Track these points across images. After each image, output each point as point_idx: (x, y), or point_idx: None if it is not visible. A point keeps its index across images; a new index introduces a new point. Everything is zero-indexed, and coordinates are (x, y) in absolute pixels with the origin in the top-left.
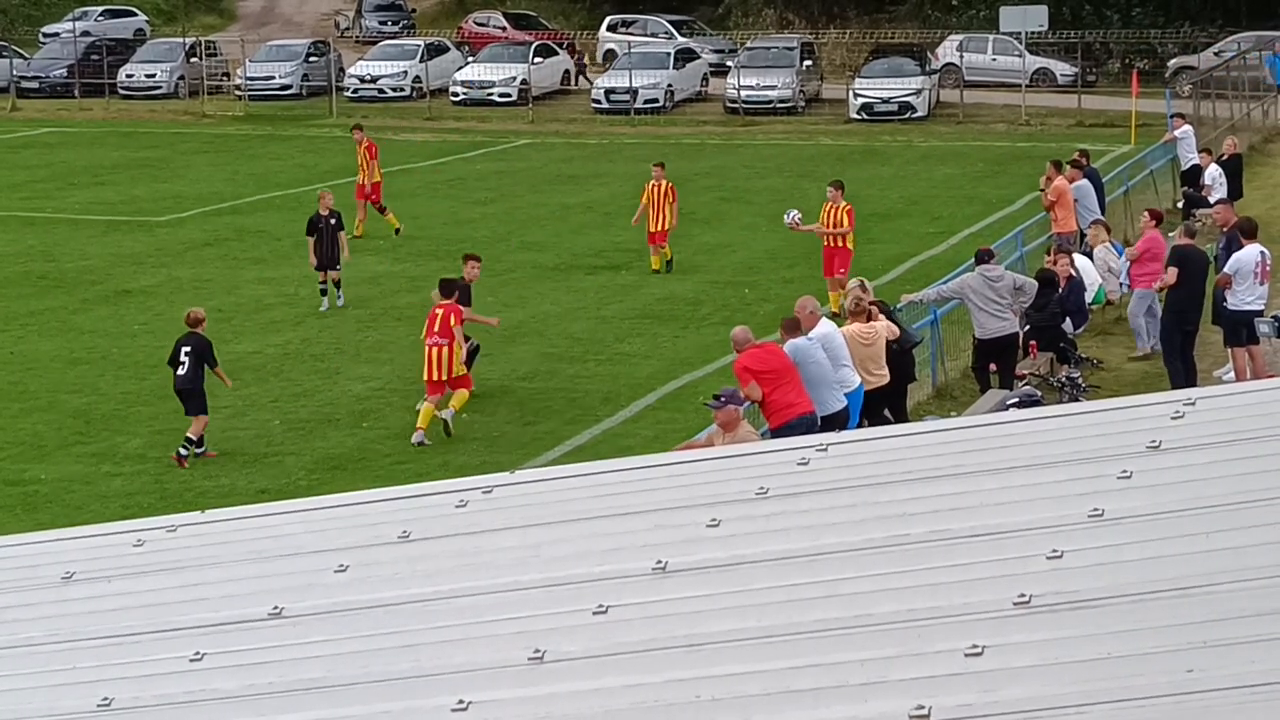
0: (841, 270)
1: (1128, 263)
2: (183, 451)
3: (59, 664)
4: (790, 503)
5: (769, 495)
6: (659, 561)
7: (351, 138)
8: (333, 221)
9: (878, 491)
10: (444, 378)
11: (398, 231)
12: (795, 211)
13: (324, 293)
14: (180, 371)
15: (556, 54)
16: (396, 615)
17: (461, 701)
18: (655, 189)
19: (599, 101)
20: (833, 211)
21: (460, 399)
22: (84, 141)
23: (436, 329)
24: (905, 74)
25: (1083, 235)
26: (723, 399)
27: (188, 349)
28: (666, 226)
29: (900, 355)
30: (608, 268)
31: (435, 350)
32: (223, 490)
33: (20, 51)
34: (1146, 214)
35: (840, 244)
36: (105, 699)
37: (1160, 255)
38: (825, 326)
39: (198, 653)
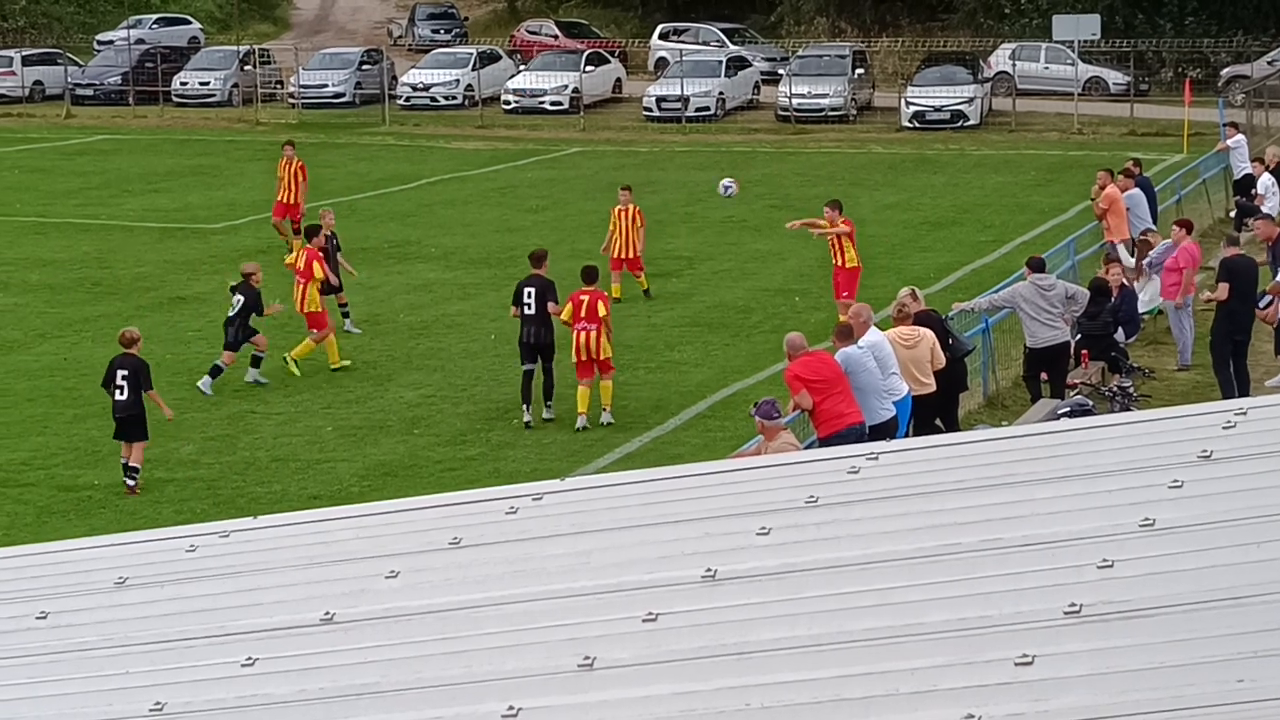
0: (846, 294)
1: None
2: (130, 481)
3: (112, 669)
4: (840, 511)
5: (819, 504)
6: (709, 569)
7: (282, 153)
8: (335, 242)
9: (928, 500)
10: (592, 358)
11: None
12: (730, 183)
13: (347, 314)
14: (119, 397)
15: (608, 62)
16: (447, 621)
17: (512, 708)
18: (623, 214)
19: (650, 109)
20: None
21: (608, 393)
22: (138, 149)
23: (584, 314)
24: (957, 82)
25: (1134, 244)
26: (756, 410)
27: (124, 372)
28: (637, 253)
29: (952, 364)
30: (658, 275)
31: (584, 334)
32: (275, 496)
33: (75, 59)
34: (1176, 225)
35: (842, 263)
36: (157, 704)
37: (1177, 267)
38: (875, 335)
39: (249, 658)
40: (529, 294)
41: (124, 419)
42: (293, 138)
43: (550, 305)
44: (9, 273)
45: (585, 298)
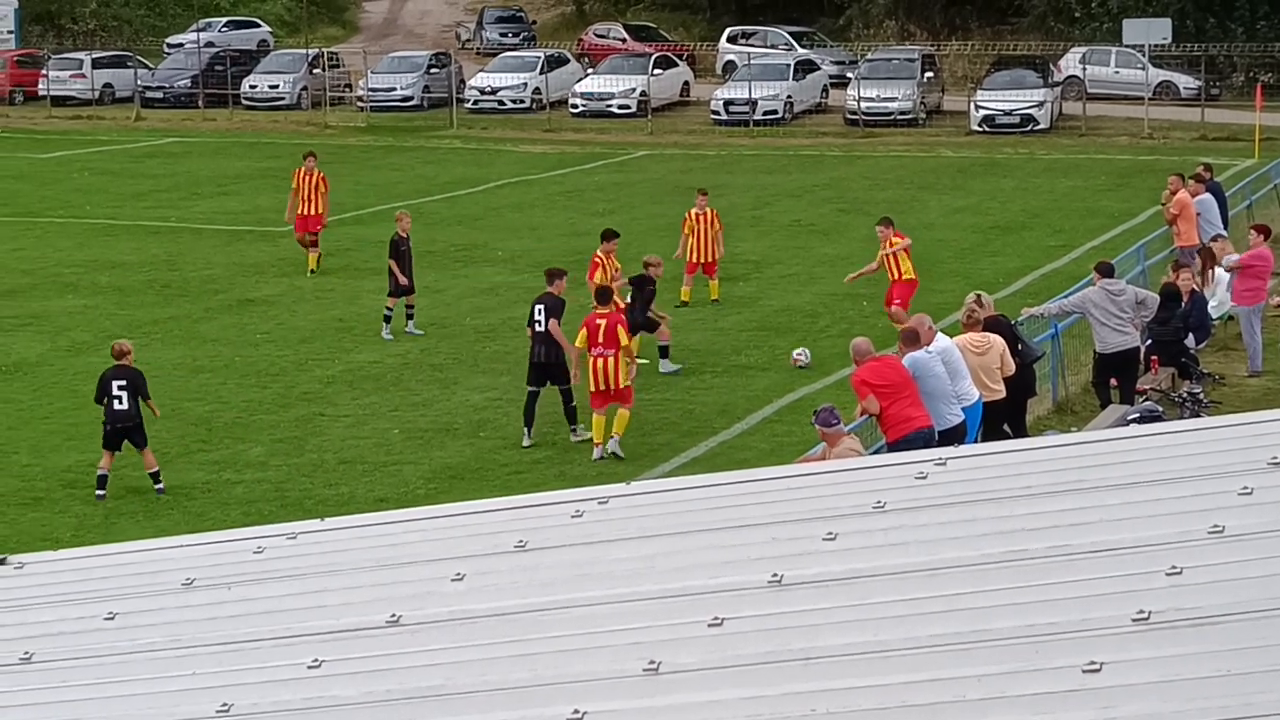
0: (898, 301)
1: (1229, 275)
2: (159, 486)
3: (179, 670)
4: (908, 517)
5: (886, 509)
6: (775, 574)
7: (303, 164)
8: (407, 244)
9: (997, 506)
10: (609, 388)
11: (312, 272)
12: (803, 353)
13: (387, 320)
14: (119, 407)
15: (676, 65)
16: (513, 624)
17: (577, 711)
18: (700, 218)
19: (718, 113)
20: (887, 254)
21: (623, 422)
22: (208, 151)
23: (601, 339)
24: (1027, 86)
25: (1201, 250)
26: (815, 418)
27: (121, 383)
28: (714, 257)
29: (1021, 370)
30: (725, 279)
31: (601, 361)
32: (342, 499)
33: (145, 62)
34: (1253, 230)
35: (898, 276)
36: (224, 705)
37: (1263, 273)
38: (944, 340)
39: (316, 660)
40: (539, 311)
41: (126, 428)
42: (313, 149)
43: (552, 322)
44: (79, 275)
45: (602, 321)
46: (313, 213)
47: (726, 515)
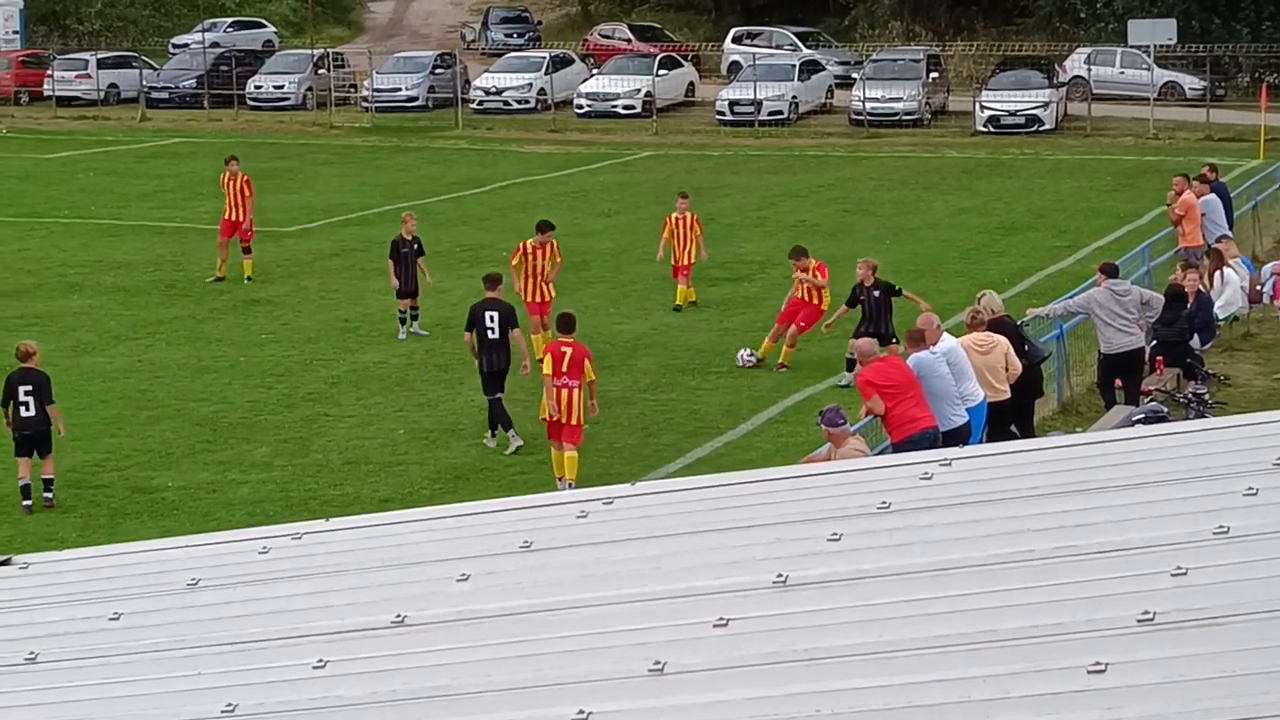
0: (804, 324)
1: (1275, 276)
2: (48, 495)
3: (184, 670)
4: (913, 517)
5: (891, 510)
6: (780, 575)
7: (226, 168)
8: (415, 247)
9: (1002, 507)
10: (565, 421)
11: (249, 279)
12: (748, 353)
13: (402, 321)
14: (26, 413)
15: (681, 66)
16: (518, 625)
17: (582, 712)
18: (680, 221)
19: (723, 113)
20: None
21: (574, 465)
22: (213, 152)
23: (566, 369)
24: (1032, 86)
25: (1209, 251)
26: (821, 418)
27: (27, 388)
28: (690, 261)
29: (1027, 370)
30: (730, 280)
31: (566, 393)
32: (347, 499)
33: (150, 62)
34: None
35: (817, 300)
36: (229, 705)
37: None
38: (949, 341)
39: (321, 660)
40: (491, 319)
41: (34, 435)
42: (235, 153)
43: (514, 331)
44: (84, 275)
45: (568, 350)
46: (238, 218)
47: (732, 516)
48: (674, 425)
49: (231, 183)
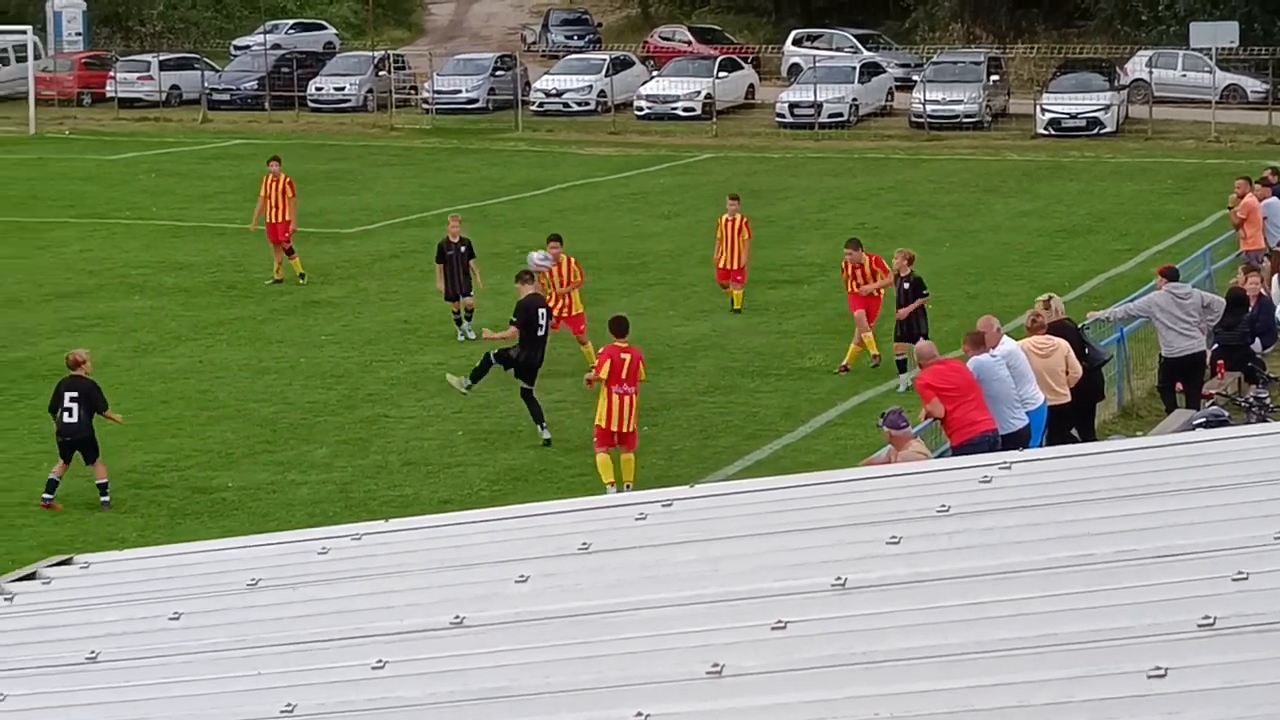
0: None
1: None
2: (105, 500)
3: (244, 670)
4: (972, 520)
5: (950, 513)
6: (839, 578)
7: (268, 169)
8: (463, 249)
9: (1062, 510)
10: (620, 430)
11: (302, 277)
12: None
13: (458, 322)
14: (69, 420)
15: (741, 68)
16: (577, 626)
17: (641, 714)
18: (729, 224)
19: (783, 115)
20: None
21: (632, 467)
22: (273, 153)
23: (625, 376)
24: (1094, 89)
25: (1271, 254)
26: (884, 420)
27: (73, 394)
28: (740, 264)
29: (1088, 374)
30: (789, 282)
31: (624, 400)
32: (406, 500)
33: (212, 64)
34: None
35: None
36: (289, 705)
37: None
38: (1009, 344)
39: (380, 661)
40: (543, 315)
41: (75, 440)
42: (291, 155)
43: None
44: (145, 276)
45: (627, 356)
46: (281, 219)
47: (791, 518)
48: (732, 427)
49: (274, 184)
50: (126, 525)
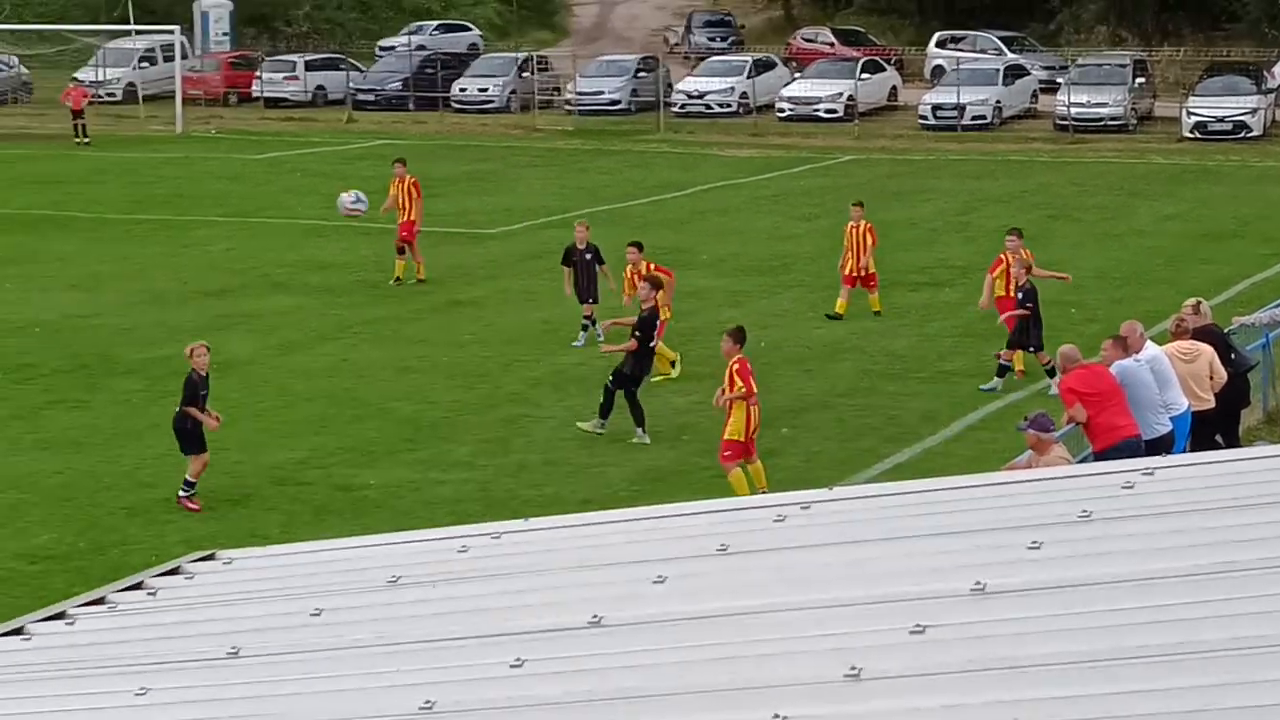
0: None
1: None
2: (182, 493)
3: (383, 666)
4: (1114, 526)
5: (1092, 519)
6: (978, 582)
7: (393, 172)
8: (588, 256)
9: (1204, 517)
10: (749, 439)
11: (398, 280)
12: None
13: (584, 327)
14: (175, 412)
15: (884, 70)
16: (714, 627)
17: (778, 715)
18: (853, 230)
19: (925, 117)
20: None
21: (761, 474)
22: (417, 154)
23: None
24: (1241, 92)
25: None
26: (1028, 423)
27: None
28: (870, 270)
29: (1234, 379)
30: (931, 284)
31: (755, 410)
32: (546, 499)
33: (357, 65)
34: None
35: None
36: (427, 702)
37: None
38: (1153, 349)
39: (518, 659)
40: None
41: (176, 433)
42: (403, 156)
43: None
44: (290, 274)
45: (750, 368)
46: (408, 219)
47: (929, 522)
48: (872, 430)
49: (400, 185)
50: (269, 522)
